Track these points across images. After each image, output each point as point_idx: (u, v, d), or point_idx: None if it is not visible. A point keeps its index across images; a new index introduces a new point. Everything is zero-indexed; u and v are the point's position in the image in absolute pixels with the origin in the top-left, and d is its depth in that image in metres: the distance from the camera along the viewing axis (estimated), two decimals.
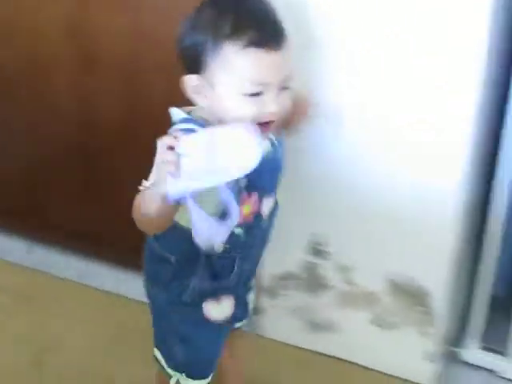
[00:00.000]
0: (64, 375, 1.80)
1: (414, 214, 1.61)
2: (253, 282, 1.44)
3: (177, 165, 1.06)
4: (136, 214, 1.19)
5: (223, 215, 1.13)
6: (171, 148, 1.08)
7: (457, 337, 1.87)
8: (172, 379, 1.41)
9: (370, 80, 1.54)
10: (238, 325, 1.51)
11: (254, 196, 1.24)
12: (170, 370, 1.41)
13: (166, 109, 1.88)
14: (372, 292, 1.74)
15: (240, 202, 1.20)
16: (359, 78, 1.55)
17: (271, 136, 1.28)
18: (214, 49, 1.16)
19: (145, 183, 1.18)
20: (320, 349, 1.86)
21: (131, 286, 2.08)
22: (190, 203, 1.10)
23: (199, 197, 1.10)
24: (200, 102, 1.21)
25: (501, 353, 1.81)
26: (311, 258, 1.76)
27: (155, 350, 1.44)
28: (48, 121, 2.04)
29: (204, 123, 1.20)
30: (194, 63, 1.19)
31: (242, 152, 1.07)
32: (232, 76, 1.15)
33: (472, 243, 1.80)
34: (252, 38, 1.14)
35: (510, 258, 1.79)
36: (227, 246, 1.24)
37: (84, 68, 1.93)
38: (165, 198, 1.09)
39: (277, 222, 1.36)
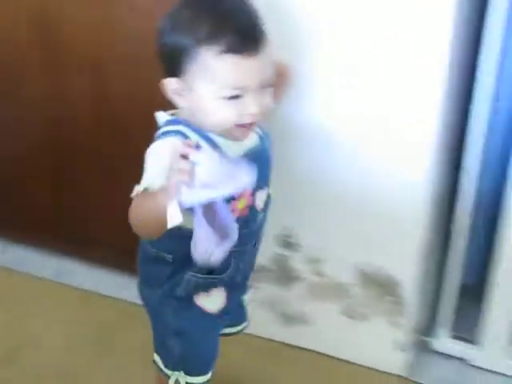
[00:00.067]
0: (42, 375, 1.79)
1: (382, 204, 1.62)
2: (249, 282, 1.45)
3: (191, 174, 1.05)
4: (134, 220, 1.18)
5: (222, 236, 1.13)
6: (184, 156, 1.06)
7: (427, 326, 1.88)
8: (171, 379, 1.41)
9: (345, 74, 1.54)
10: (236, 330, 1.53)
11: (249, 191, 1.24)
12: (168, 371, 1.41)
13: (135, 100, 1.89)
14: (342, 283, 1.75)
15: (235, 196, 1.20)
16: (335, 72, 1.56)
17: (258, 129, 1.28)
18: (192, 53, 1.15)
19: (137, 188, 1.16)
20: (292, 341, 1.86)
21: (109, 284, 2.09)
22: (199, 215, 1.10)
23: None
24: (180, 104, 1.21)
25: (471, 341, 1.83)
26: (281, 251, 1.76)
27: (155, 354, 1.44)
28: (18, 115, 2.03)
29: (190, 124, 1.19)
30: (173, 66, 1.18)
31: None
32: (210, 80, 1.15)
33: (441, 233, 1.81)
34: (229, 44, 1.12)
35: (478, 247, 1.81)
36: None
37: (52, 62, 1.92)
38: (170, 207, 1.08)
39: None
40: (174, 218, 1.08)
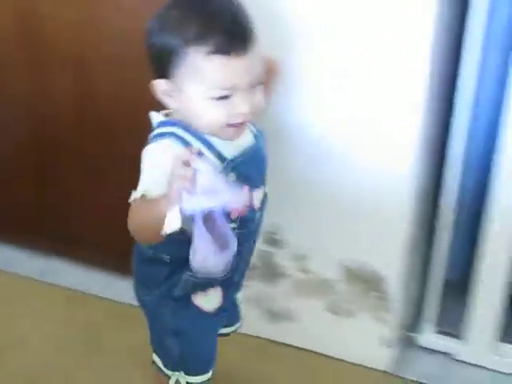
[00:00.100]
0: (29, 375, 1.78)
1: (367, 201, 1.63)
2: (243, 281, 1.44)
3: (193, 181, 1.05)
4: (133, 226, 1.17)
5: (221, 246, 1.14)
6: (186, 163, 1.06)
7: (412, 322, 1.89)
8: (171, 380, 1.40)
9: (335, 77, 1.55)
10: (230, 330, 1.53)
11: (246, 189, 1.23)
12: (167, 371, 1.40)
13: (120, 100, 1.89)
14: (328, 280, 1.75)
15: None
16: (326, 75, 1.56)
17: (253, 128, 1.28)
18: (180, 54, 1.14)
19: (135, 194, 1.16)
20: (278, 338, 1.86)
21: (96, 283, 2.08)
22: (199, 223, 1.10)
23: None
24: (171, 105, 1.21)
25: (456, 336, 1.84)
26: (267, 248, 1.76)
27: (154, 354, 1.43)
28: (1, 113, 2.02)
29: (186, 125, 1.19)
30: (162, 67, 1.18)
31: None
32: (199, 81, 1.14)
33: (425, 228, 1.82)
34: (217, 45, 1.12)
35: (462, 243, 1.82)
36: None
37: (36, 60, 1.91)
38: (170, 212, 1.08)
39: None
40: (173, 224, 1.07)
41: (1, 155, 2.09)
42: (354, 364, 1.82)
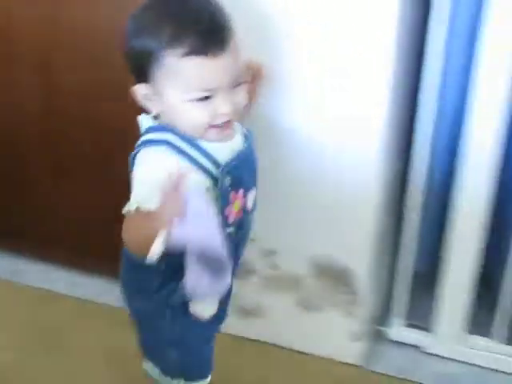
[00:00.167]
0: None
1: (333, 195, 1.63)
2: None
3: (184, 209, 1.04)
4: (128, 239, 1.15)
5: (216, 271, 1.11)
6: (176, 188, 1.04)
7: (382, 315, 1.90)
8: None
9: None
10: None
11: (241, 192, 1.23)
12: (167, 379, 1.39)
13: (86, 100, 1.88)
14: (297, 275, 1.75)
15: (230, 201, 1.20)
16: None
17: (242, 129, 1.26)
18: (157, 57, 1.13)
19: (129, 206, 1.13)
20: (249, 334, 1.86)
21: (62, 283, 2.08)
22: (190, 251, 1.08)
23: None
24: (153, 110, 1.19)
25: (425, 329, 1.85)
26: None
27: (145, 362, 1.41)
28: None
29: (177, 131, 1.17)
30: (141, 71, 1.16)
31: None
32: (178, 84, 1.13)
33: (392, 222, 1.83)
34: (192, 46, 1.11)
35: (430, 234, 1.83)
36: None
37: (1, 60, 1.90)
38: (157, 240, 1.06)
39: None
40: (156, 250, 1.06)
41: None
42: (324, 358, 1.82)
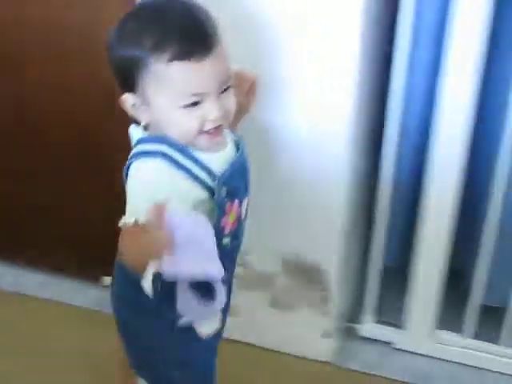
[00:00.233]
0: None
1: (303, 193, 1.63)
2: None
3: (171, 242, 1.02)
4: (127, 253, 1.12)
5: (208, 295, 1.10)
6: (159, 215, 1.02)
7: (353, 312, 1.91)
8: None
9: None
10: None
11: (236, 202, 1.22)
12: None
13: (56, 100, 1.87)
14: (268, 273, 1.76)
15: (226, 212, 1.19)
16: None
17: (235, 137, 1.25)
18: (142, 65, 1.11)
19: (126, 220, 1.11)
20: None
21: (35, 284, 2.07)
22: (181, 282, 1.07)
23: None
24: (142, 119, 1.17)
25: (396, 325, 1.87)
26: None
27: (141, 381, 1.39)
28: None
29: (172, 141, 1.15)
30: (127, 81, 1.15)
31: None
32: (164, 91, 1.12)
33: (362, 221, 1.84)
34: (176, 51, 1.09)
35: (399, 230, 1.84)
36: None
37: None
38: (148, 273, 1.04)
39: None
40: (147, 284, 1.05)
41: None
42: (296, 356, 1.83)
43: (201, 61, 1.10)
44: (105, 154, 1.86)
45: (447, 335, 1.84)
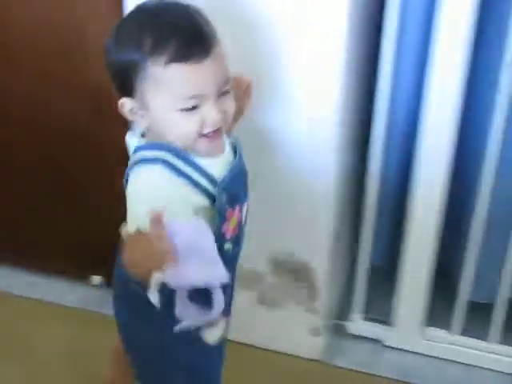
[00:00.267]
0: None
1: (292, 191, 1.63)
2: None
3: (173, 250, 1.01)
4: (132, 262, 1.10)
5: (206, 301, 1.10)
6: (158, 223, 1.02)
7: (342, 310, 1.92)
8: None
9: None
10: None
11: (237, 208, 1.21)
12: None
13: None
14: (256, 271, 1.76)
15: (227, 218, 1.18)
16: None
17: (231, 139, 1.24)
18: (140, 68, 1.10)
19: (128, 228, 1.12)
20: None
21: (19, 284, 2.06)
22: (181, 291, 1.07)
23: None
24: (141, 124, 1.17)
25: (384, 322, 1.87)
26: None
27: None
28: None
29: (172, 147, 1.14)
30: (125, 85, 1.14)
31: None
32: (163, 94, 1.11)
33: (351, 219, 1.84)
34: (174, 53, 1.08)
35: (387, 228, 1.85)
36: None
37: None
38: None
39: None
40: (152, 298, 1.05)
41: None
42: (285, 354, 1.83)
43: (199, 63, 1.09)
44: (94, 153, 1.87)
45: (435, 332, 1.84)
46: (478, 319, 1.81)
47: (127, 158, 1.73)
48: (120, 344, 1.43)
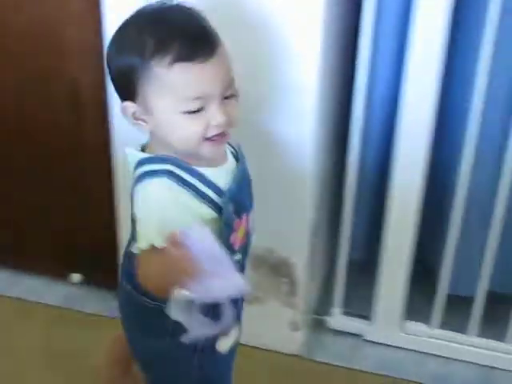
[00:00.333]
0: None
1: (270, 186, 1.63)
2: None
3: (196, 264, 0.99)
4: (150, 277, 1.10)
5: (215, 314, 1.08)
6: (177, 242, 1.00)
7: (322, 305, 1.92)
8: None
9: None
10: None
11: (244, 217, 1.20)
12: None
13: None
14: None
15: (235, 228, 1.17)
16: None
17: (232, 149, 1.23)
18: (143, 70, 1.09)
19: (140, 245, 1.09)
20: None
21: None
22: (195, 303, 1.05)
23: None
24: (144, 128, 1.15)
25: (364, 317, 1.88)
26: None
27: None
28: None
29: (177, 160, 1.12)
30: (127, 89, 1.12)
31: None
32: (166, 96, 1.09)
33: (330, 213, 1.84)
34: (177, 53, 1.07)
35: (366, 222, 1.85)
36: None
37: None
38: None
39: None
40: (173, 313, 1.04)
41: None
42: (265, 350, 1.83)
43: (203, 63, 1.08)
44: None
45: (415, 326, 1.84)
46: (457, 312, 1.81)
47: (103, 155, 1.73)
48: (117, 343, 1.43)
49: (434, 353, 1.85)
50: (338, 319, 1.89)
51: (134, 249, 1.13)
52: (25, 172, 1.93)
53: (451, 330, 1.83)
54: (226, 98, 1.12)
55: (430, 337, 1.84)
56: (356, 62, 1.61)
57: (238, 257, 1.22)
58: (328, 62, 1.55)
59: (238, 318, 1.31)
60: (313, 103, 1.53)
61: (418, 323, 1.85)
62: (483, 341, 1.81)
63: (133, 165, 1.16)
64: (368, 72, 1.61)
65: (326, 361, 1.83)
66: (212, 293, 1.01)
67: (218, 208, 1.14)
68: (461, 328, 1.82)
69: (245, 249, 1.24)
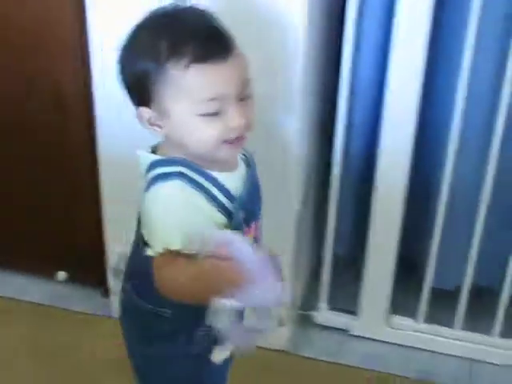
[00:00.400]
0: None
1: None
2: None
3: (243, 280, 0.97)
4: (170, 280, 1.07)
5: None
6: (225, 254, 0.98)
7: (308, 300, 1.92)
8: None
9: None
10: None
11: (253, 225, 1.19)
12: None
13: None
14: None
15: (244, 235, 1.15)
16: None
17: (242, 155, 1.21)
18: (158, 74, 1.07)
19: (154, 249, 1.07)
20: None
21: None
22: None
23: None
24: (160, 133, 1.12)
25: (350, 312, 1.89)
26: None
27: None
28: None
29: (188, 162, 1.10)
30: (142, 94, 1.10)
31: None
32: (183, 99, 1.07)
33: (315, 209, 1.84)
34: (193, 54, 1.05)
35: (352, 217, 1.86)
36: None
37: None
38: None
39: None
40: (218, 323, 1.01)
41: None
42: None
43: (219, 63, 1.06)
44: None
45: (400, 320, 1.86)
46: (443, 307, 1.83)
47: (89, 155, 1.72)
48: None
49: (419, 347, 1.86)
50: (324, 314, 1.89)
51: (144, 251, 1.10)
52: (11, 171, 1.92)
53: (437, 324, 1.84)
54: (242, 99, 1.10)
55: (415, 331, 1.85)
56: (341, 53, 1.61)
57: None
58: (313, 61, 1.55)
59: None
60: (300, 97, 1.53)
61: (404, 318, 1.86)
62: (468, 334, 1.83)
63: (144, 167, 1.14)
64: (352, 57, 1.61)
65: (313, 356, 1.84)
66: (253, 301, 1.00)
67: (227, 213, 1.12)
68: (446, 322, 1.83)
69: None
